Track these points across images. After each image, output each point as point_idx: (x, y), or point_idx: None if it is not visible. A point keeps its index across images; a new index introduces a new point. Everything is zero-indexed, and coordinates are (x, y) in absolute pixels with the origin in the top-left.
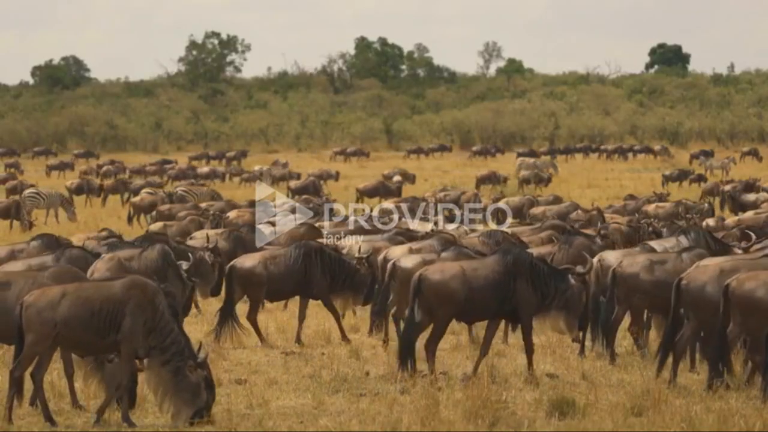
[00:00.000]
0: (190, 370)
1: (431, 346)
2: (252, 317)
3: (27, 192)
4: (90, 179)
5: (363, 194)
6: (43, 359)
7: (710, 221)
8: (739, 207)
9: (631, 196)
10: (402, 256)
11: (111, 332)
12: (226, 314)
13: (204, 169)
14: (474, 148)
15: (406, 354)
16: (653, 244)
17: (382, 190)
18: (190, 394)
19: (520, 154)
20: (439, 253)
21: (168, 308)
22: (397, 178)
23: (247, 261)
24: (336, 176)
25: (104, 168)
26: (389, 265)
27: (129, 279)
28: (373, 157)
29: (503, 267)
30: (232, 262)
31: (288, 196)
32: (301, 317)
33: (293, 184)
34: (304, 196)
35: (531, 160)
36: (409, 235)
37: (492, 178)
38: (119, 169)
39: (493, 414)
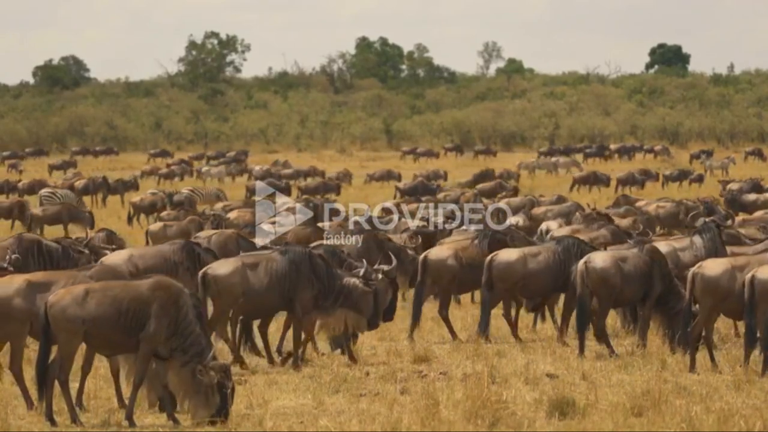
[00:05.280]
0: (202, 372)
1: None
2: (602, 325)
3: (43, 192)
4: (95, 178)
5: (481, 194)
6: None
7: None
8: (740, 207)
9: (625, 197)
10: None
11: (137, 332)
12: (584, 315)
13: (288, 170)
14: (542, 149)
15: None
16: (662, 244)
17: (498, 190)
18: (208, 394)
19: (588, 154)
20: None
21: (191, 309)
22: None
23: (598, 260)
24: (444, 176)
25: (172, 167)
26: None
27: (155, 280)
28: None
29: None
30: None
31: (395, 197)
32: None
33: (400, 184)
34: (304, 197)
35: (531, 160)
36: None
37: (590, 179)
38: (185, 170)
39: (493, 414)
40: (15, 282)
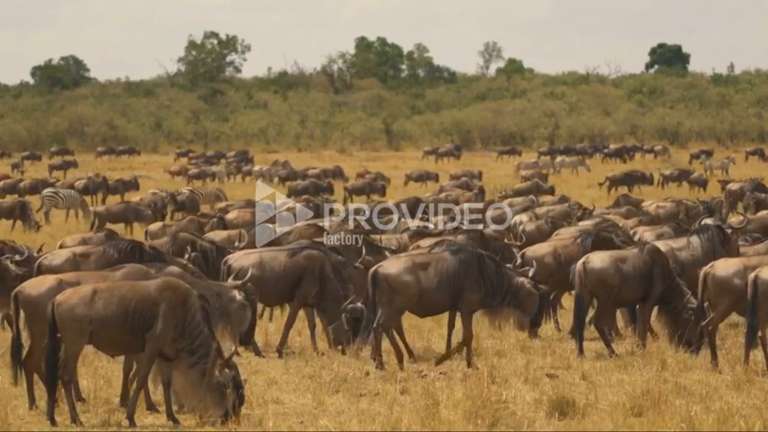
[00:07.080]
0: (217, 371)
1: None
2: (602, 326)
3: (45, 192)
4: (95, 178)
5: (516, 193)
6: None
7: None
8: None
9: (625, 197)
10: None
11: (144, 332)
12: (582, 315)
13: (314, 170)
14: (542, 149)
15: None
16: (660, 243)
17: (534, 190)
18: (218, 395)
19: (606, 154)
20: None
21: (200, 310)
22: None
23: (597, 261)
24: (479, 176)
25: (203, 167)
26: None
27: (163, 280)
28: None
29: None
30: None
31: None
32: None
33: (443, 184)
34: (304, 196)
35: (531, 161)
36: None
37: (628, 179)
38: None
39: (493, 414)
40: (47, 282)
